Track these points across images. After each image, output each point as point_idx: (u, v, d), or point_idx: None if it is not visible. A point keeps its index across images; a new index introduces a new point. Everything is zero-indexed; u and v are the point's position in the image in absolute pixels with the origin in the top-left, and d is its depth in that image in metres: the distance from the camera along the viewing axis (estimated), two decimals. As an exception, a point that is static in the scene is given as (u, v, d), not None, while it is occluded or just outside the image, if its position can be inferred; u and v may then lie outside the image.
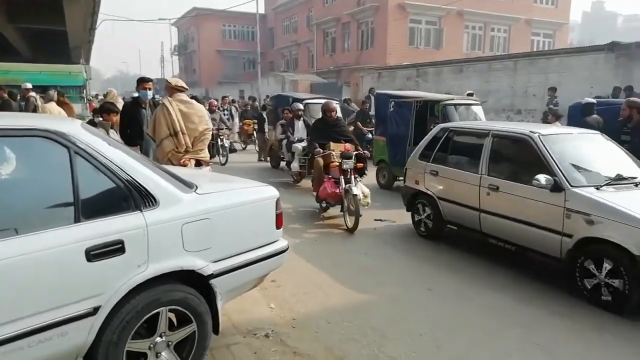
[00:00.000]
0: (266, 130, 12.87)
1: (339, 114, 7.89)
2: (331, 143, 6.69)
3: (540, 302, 3.99)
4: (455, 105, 8.23)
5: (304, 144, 8.76)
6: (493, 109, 14.46)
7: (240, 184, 3.26)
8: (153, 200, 2.52)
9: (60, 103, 8.44)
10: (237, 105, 17.40)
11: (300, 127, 9.45)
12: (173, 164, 4.80)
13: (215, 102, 12.79)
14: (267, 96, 23.21)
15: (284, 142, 9.86)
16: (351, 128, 11.76)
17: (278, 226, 3.14)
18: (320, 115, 7.64)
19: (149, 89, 5.86)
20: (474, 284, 4.41)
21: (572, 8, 32.89)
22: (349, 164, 6.26)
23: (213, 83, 42.40)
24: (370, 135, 11.69)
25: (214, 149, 11.80)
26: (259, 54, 30.38)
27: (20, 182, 2.32)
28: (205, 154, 5.31)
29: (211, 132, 5.43)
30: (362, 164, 6.52)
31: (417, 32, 27.23)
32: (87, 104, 16.13)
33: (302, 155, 8.82)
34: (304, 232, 6.05)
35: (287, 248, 3.20)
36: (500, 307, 3.94)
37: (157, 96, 6.48)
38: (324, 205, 6.80)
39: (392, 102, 8.93)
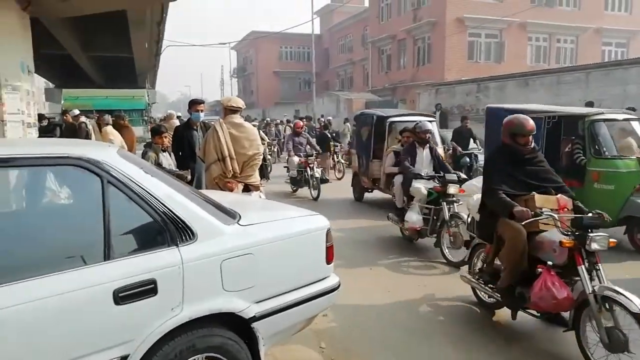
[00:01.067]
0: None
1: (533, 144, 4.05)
2: (535, 195, 3.60)
3: None
4: (607, 121, 6.16)
5: (429, 184, 5.99)
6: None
7: (287, 213, 2.97)
8: (190, 234, 2.28)
9: (120, 126, 8.68)
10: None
11: (425, 158, 6.32)
12: (221, 189, 4.62)
13: (302, 124, 11.31)
14: (322, 116, 23.21)
15: (398, 179, 6.51)
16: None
17: (329, 261, 2.81)
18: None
19: (201, 111, 5.80)
20: None
21: (647, 14, 30.57)
22: (599, 243, 3.15)
23: (270, 104, 43.25)
24: (468, 160, 10.63)
25: (266, 170, 11.49)
26: (314, 74, 30.64)
27: (48, 215, 2.16)
28: (254, 179, 5.03)
29: (262, 156, 5.15)
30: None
31: (477, 46, 26.31)
32: (149, 127, 16.82)
33: (425, 202, 5.93)
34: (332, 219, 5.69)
35: (339, 285, 2.85)
36: None
37: (207, 118, 6.42)
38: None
39: None
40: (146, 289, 2.09)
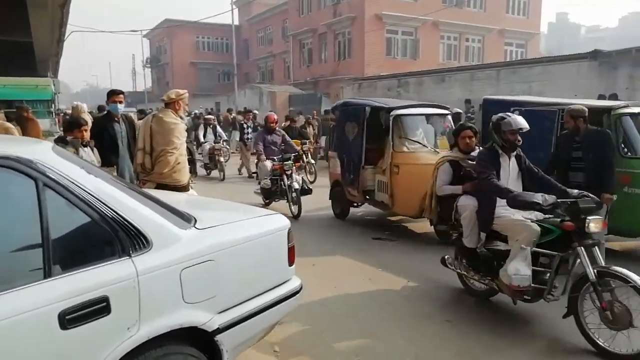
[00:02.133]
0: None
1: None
2: None
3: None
4: (635, 115, 5.28)
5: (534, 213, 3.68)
6: (477, 118, 14.34)
7: (244, 213, 2.77)
8: (144, 241, 2.02)
9: (24, 119, 7.71)
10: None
11: (512, 171, 3.93)
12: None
13: (275, 117, 8.51)
14: (244, 109, 22.70)
15: (467, 204, 4.02)
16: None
17: (290, 262, 2.67)
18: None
19: (120, 102, 5.40)
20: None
21: (541, 18, 33.69)
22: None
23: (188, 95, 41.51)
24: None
25: (193, 166, 10.58)
26: (235, 65, 29.88)
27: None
28: (173, 177, 4.80)
29: (175, 152, 4.85)
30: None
31: (394, 43, 27.21)
32: (56, 119, 15.26)
33: (533, 243, 3.50)
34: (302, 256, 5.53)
35: (301, 288, 2.72)
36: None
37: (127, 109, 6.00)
38: None
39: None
40: (97, 309, 1.81)
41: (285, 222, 2.69)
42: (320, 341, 3.54)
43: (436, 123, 6.84)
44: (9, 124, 6.91)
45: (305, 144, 11.47)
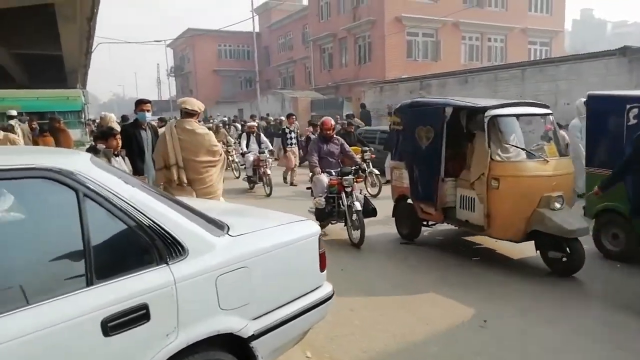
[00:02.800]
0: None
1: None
2: None
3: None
4: None
5: None
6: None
7: (275, 220, 2.79)
8: (181, 249, 2.06)
9: (56, 130, 7.95)
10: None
11: None
12: None
13: (332, 123, 6.91)
14: (265, 114, 22.87)
15: None
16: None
17: (322, 268, 2.67)
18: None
19: (148, 111, 5.53)
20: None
21: (565, 16, 33.02)
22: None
23: (211, 103, 42.09)
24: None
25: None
26: (257, 72, 30.19)
27: (16, 238, 1.83)
28: (211, 191, 4.73)
29: (220, 164, 4.83)
30: None
31: (415, 45, 27.04)
32: (86, 129, 15.69)
33: None
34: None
35: (333, 294, 2.72)
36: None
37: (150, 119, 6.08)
38: None
39: (635, 110, 4.96)
40: (138, 316, 1.85)
41: (316, 229, 2.70)
42: (353, 346, 3.52)
43: (536, 125, 5.62)
44: (14, 136, 7.11)
45: (366, 151, 9.83)
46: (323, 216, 6.34)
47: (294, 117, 12.59)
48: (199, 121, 5.03)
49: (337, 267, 4.94)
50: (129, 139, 5.33)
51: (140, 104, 5.55)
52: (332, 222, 6.47)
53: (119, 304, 1.80)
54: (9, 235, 1.83)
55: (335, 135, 6.87)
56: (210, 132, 4.98)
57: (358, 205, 5.95)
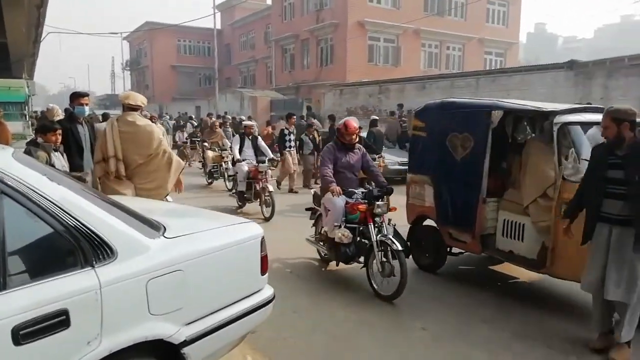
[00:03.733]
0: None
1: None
2: None
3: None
4: None
5: None
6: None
7: (216, 221, 2.71)
8: (109, 251, 1.95)
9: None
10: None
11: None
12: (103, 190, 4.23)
13: (355, 126, 4.98)
14: (225, 113, 22.53)
15: None
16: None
17: (263, 272, 2.62)
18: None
19: (86, 104, 5.27)
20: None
21: (520, 28, 34.39)
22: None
23: (167, 99, 41.08)
24: None
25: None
26: (217, 69, 29.70)
27: None
28: (152, 187, 4.57)
29: (164, 160, 4.65)
30: None
31: (376, 50, 27.40)
32: (29, 122, 14.88)
33: None
34: (274, 263, 5.41)
35: (274, 297, 2.67)
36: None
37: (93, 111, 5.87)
38: None
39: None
40: (55, 322, 1.73)
41: (259, 231, 2.64)
42: (295, 350, 3.48)
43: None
44: None
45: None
46: (346, 256, 4.62)
47: (294, 117, 11.48)
48: (147, 116, 4.90)
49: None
50: (65, 134, 5.06)
51: (77, 97, 5.25)
52: (357, 260, 4.68)
53: (34, 310, 1.68)
54: None
55: (356, 142, 5.05)
56: (154, 124, 4.87)
57: (397, 244, 4.24)
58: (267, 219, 7.50)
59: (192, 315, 2.20)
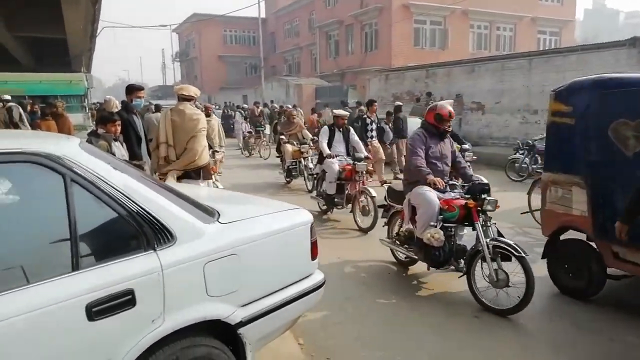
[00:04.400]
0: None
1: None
2: None
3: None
4: None
5: None
6: (508, 110, 13.99)
7: (267, 208, 2.78)
8: (169, 236, 2.05)
9: (54, 115, 7.93)
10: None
11: None
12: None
13: (449, 110, 4.46)
14: (266, 102, 22.77)
15: None
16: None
17: (313, 257, 2.67)
18: None
19: (142, 98, 5.61)
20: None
21: (577, 5, 32.49)
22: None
23: (215, 89, 42.02)
24: None
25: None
26: (262, 58, 30.02)
27: (1, 222, 1.83)
28: (196, 164, 4.93)
29: (201, 132, 4.99)
30: None
31: (422, 33, 26.74)
32: (89, 113, 15.68)
33: None
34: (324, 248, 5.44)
35: (324, 282, 2.72)
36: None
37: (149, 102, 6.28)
38: None
39: None
40: (123, 301, 1.85)
41: (309, 217, 2.69)
42: (346, 334, 3.53)
43: None
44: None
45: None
46: (437, 260, 4.15)
47: (376, 104, 10.12)
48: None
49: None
50: (123, 125, 5.32)
51: (134, 90, 5.54)
52: (451, 266, 4.25)
53: (104, 289, 1.80)
54: (-4, 220, 1.83)
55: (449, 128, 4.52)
56: (202, 114, 5.15)
57: (520, 249, 3.66)
58: (364, 230, 6.14)
59: (248, 298, 2.28)
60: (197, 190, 3.32)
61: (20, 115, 8.59)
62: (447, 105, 4.47)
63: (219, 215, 2.37)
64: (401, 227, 4.69)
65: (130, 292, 1.86)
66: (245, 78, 43.45)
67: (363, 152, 6.97)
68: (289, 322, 2.58)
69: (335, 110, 7.96)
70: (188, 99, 4.97)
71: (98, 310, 1.77)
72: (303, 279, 2.59)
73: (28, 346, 1.64)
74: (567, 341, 3.40)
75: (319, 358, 3.20)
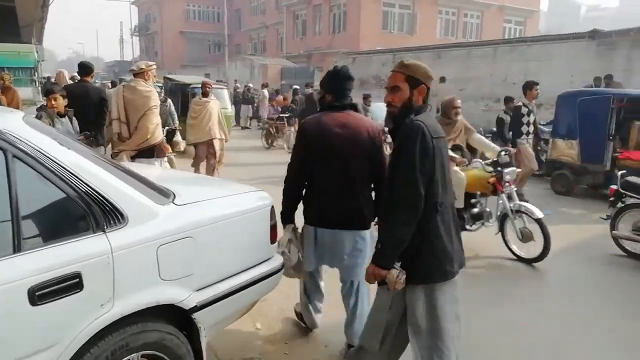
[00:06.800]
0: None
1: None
2: None
3: None
4: None
5: None
6: (472, 97, 14.23)
7: (226, 189, 2.71)
8: (120, 217, 1.96)
9: (1, 88, 7.46)
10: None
11: None
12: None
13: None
14: (235, 81, 22.18)
15: None
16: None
17: (273, 240, 2.63)
18: None
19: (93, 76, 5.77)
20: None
21: (540, -4, 33.27)
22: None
23: (176, 66, 40.75)
24: None
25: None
26: (226, 36, 29.31)
27: None
28: (149, 142, 4.87)
29: (153, 110, 4.90)
30: None
31: (391, 17, 26.77)
32: (39, 88, 14.85)
33: None
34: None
35: (283, 266, 2.70)
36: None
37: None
38: None
39: None
40: (69, 285, 1.76)
41: (268, 200, 2.64)
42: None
43: None
44: None
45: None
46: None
47: (536, 87, 6.93)
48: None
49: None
50: (76, 100, 5.11)
51: (90, 70, 5.62)
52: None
53: (48, 272, 1.70)
54: None
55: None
56: (154, 90, 5.04)
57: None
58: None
59: (203, 282, 2.22)
60: (153, 170, 3.21)
61: None
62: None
63: (175, 196, 2.29)
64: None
65: (77, 276, 1.77)
66: (208, 55, 42.34)
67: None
68: (245, 306, 2.54)
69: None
70: (138, 72, 4.88)
71: (42, 294, 1.68)
72: (261, 262, 2.55)
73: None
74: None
75: (277, 343, 3.19)
